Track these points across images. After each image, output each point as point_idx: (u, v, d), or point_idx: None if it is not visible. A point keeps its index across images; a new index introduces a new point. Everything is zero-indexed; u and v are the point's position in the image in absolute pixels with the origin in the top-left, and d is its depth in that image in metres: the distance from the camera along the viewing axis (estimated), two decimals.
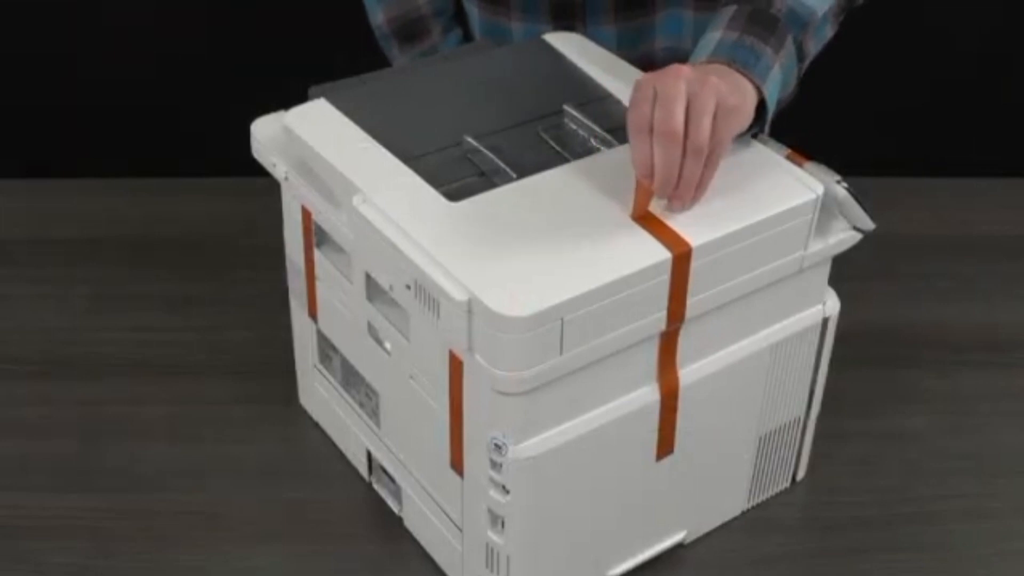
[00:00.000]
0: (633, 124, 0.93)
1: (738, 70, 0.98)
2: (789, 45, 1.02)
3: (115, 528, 1.11)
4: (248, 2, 2.08)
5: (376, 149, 1.01)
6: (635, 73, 1.12)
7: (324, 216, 1.04)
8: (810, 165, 1.01)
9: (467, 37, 1.42)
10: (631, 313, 0.91)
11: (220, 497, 1.14)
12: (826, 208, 0.99)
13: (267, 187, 1.12)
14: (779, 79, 1.01)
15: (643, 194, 0.94)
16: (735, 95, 0.95)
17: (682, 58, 1.07)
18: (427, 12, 1.40)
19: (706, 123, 0.92)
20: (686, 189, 0.93)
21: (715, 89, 0.93)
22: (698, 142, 0.91)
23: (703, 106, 0.92)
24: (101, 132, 2.11)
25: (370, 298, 1.02)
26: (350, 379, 1.11)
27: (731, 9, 1.03)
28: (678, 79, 0.92)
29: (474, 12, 1.37)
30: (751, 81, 0.98)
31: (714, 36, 1.01)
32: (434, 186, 0.97)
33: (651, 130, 0.91)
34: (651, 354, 0.96)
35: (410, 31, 1.40)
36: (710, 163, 0.94)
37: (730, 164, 1.01)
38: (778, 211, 0.95)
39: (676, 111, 0.91)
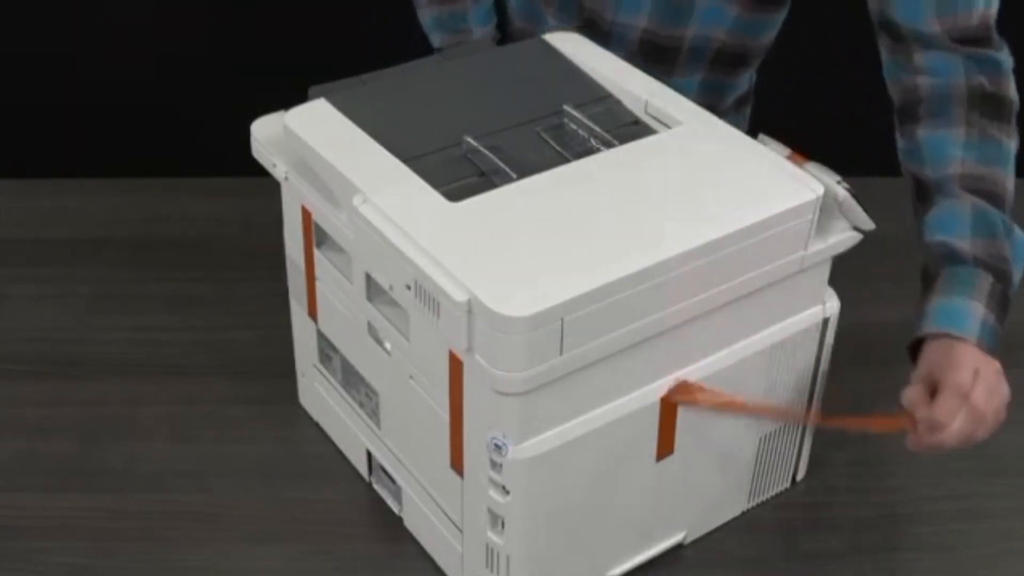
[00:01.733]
0: (956, 385, 1.00)
1: (990, 356, 1.04)
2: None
3: (115, 528, 1.11)
4: (248, 2, 2.08)
5: (376, 149, 1.01)
6: (636, 73, 1.12)
7: (324, 216, 1.04)
8: (810, 165, 1.01)
9: (500, 11, 1.42)
10: (631, 313, 0.91)
11: (220, 497, 1.14)
12: (826, 208, 0.99)
13: (267, 187, 1.12)
14: None
15: (901, 423, 1.03)
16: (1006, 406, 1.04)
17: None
18: None
19: (982, 435, 1.02)
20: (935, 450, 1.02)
21: (1005, 404, 1.03)
22: (972, 440, 1.02)
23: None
24: (101, 132, 2.11)
25: (370, 298, 1.02)
26: (350, 379, 1.11)
27: (988, 280, 1.07)
28: (1002, 383, 1.03)
29: None
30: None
31: (978, 311, 1.05)
32: (434, 186, 0.97)
33: (966, 397, 1.00)
34: (651, 354, 0.96)
35: None
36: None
37: (730, 164, 1.01)
38: (778, 211, 0.95)
39: (995, 403, 1.01)
